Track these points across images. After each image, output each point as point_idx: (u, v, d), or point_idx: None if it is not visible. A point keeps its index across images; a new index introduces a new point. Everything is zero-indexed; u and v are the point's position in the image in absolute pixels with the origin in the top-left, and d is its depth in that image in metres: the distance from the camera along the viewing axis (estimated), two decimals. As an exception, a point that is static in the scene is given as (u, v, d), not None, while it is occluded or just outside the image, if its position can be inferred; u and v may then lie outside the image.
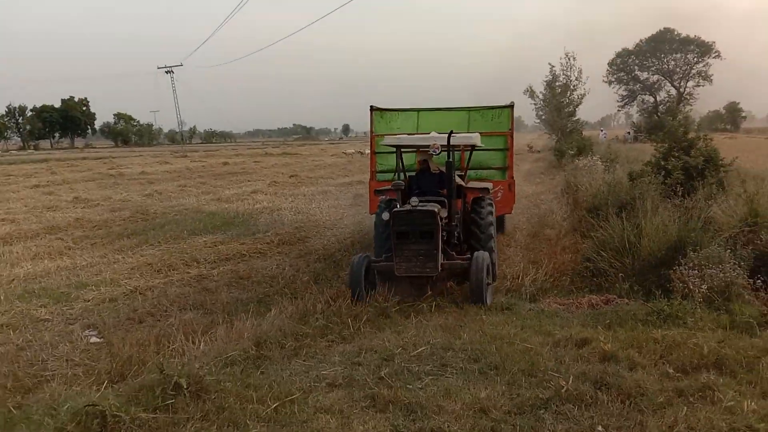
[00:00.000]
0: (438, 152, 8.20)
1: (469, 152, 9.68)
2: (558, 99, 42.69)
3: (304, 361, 5.43)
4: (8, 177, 31.70)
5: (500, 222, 11.62)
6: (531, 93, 47.87)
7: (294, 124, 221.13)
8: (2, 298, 8.71)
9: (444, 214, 8.01)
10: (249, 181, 28.25)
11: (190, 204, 19.66)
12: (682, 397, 4.24)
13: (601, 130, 61.12)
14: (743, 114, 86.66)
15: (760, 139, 56.88)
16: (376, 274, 8.21)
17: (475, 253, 7.82)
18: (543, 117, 51.77)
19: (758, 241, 8.02)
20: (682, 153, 11.54)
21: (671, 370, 4.71)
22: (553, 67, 43.55)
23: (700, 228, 8.17)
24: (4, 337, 7.13)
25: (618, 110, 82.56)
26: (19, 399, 5.00)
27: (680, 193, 10.09)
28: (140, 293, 9.04)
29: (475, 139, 8.99)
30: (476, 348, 5.49)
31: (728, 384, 4.39)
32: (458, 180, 8.95)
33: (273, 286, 9.32)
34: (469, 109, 11.45)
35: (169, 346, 6.11)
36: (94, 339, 7.06)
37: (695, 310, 6.11)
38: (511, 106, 11.32)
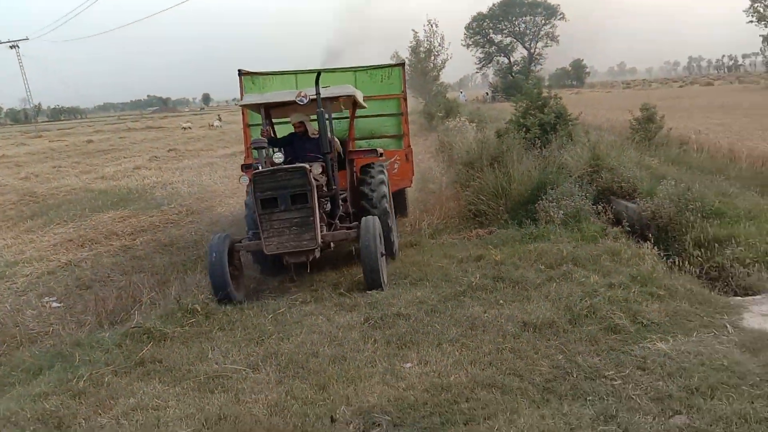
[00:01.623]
0: (305, 101, 6.65)
1: (351, 115, 8.30)
2: (423, 64, 45.05)
3: (270, 294, 6.74)
4: None
5: (401, 200, 10.37)
6: (397, 58, 50.01)
7: (148, 95, 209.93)
8: (-65, 280, 8.97)
9: (318, 170, 6.62)
10: (125, 157, 27.71)
11: (75, 184, 19.34)
12: (551, 280, 6.20)
13: (461, 92, 64.30)
14: (587, 70, 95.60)
15: (602, 93, 63.95)
16: (240, 259, 6.99)
17: (364, 218, 6.64)
18: (408, 81, 54.13)
19: (600, 179, 10.41)
20: (537, 111, 13.53)
21: (543, 267, 6.66)
22: (417, 33, 45.89)
23: (555, 172, 10.25)
24: (-38, 311, 7.63)
25: (476, 72, 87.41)
26: (28, 348, 5.83)
27: (539, 145, 12.18)
28: (75, 265, 9.62)
29: (352, 90, 7.58)
30: (400, 271, 7.14)
31: (580, 271, 6.37)
32: (339, 146, 7.86)
33: (200, 249, 10.17)
34: (355, 69, 9.95)
35: (144, 298, 7.08)
36: (55, 304, 7.79)
37: (556, 230, 8.11)
38: (401, 65, 10.29)
